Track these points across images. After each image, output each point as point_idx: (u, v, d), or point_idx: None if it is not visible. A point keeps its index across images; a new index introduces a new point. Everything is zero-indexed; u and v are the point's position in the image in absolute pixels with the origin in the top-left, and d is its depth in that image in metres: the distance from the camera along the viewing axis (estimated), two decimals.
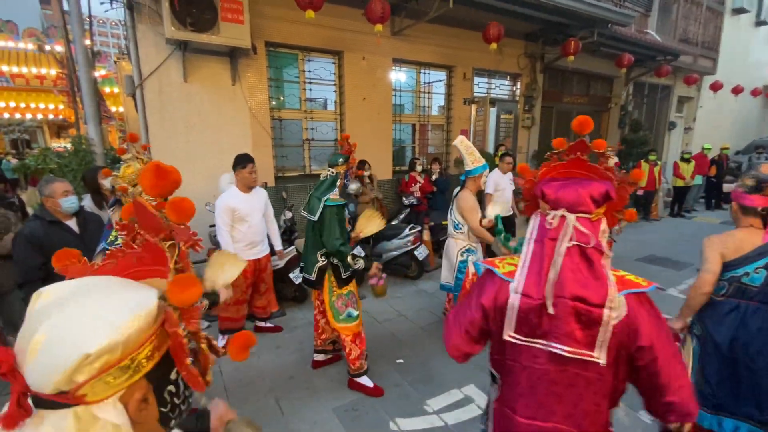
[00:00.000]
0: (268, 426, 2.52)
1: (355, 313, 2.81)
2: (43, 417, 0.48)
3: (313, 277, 2.78)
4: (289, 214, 4.72)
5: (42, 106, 10.09)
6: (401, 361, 3.23)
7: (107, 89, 10.76)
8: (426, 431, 2.47)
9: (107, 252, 0.65)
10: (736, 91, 11.35)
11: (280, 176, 5.40)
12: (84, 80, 4.58)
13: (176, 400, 0.60)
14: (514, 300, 1.09)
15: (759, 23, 13.02)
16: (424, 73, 6.52)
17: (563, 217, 1.07)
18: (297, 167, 5.63)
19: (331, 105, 5.84)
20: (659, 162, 8.32)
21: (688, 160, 8.58)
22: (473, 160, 3.19)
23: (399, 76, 6.25)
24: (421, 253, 4.81)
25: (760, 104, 14.88)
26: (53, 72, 9.76)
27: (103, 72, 10.62)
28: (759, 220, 1.93)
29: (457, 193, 3.36)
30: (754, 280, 1.91)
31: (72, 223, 2.67)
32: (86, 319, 0.50)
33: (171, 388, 0.59)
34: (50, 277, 2.54)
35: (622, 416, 2.66)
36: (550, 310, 1.04)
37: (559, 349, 1.05)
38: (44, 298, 0.52)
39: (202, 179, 4.63)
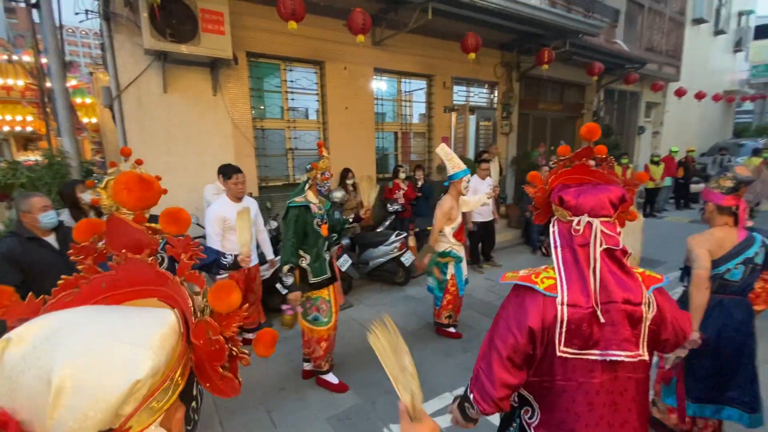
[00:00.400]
0: None
1: (324, 319, 2.85)
2: None
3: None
4: (274, 224, 4.69)
5: (9, 117, 9.69)
6: None
7: (78, 100, 10.45)
8: None
9: (59, 283, 0.57)
10: (699, 96, 11.99)
11: (263, 186, 5.37)
12: (58, 91, 4.45)
13: (196, 417, 0.58)
14: (563, 312, 1.04)
15: (717, 32, 13.82)
16: (405, 82, 6.63)
17: (589, 222, 1.07)
18: (281, 177, 5.61)
19: (314, 114, 5.85)
20: (631, 165, 8.67)
21: (657, 163, 8.98)
22: (453, 165, 3.32)
23: (380, 85, 6.33)
24: (408, 259, 4.85)
25: (721, 108, 15.74)
26: (20, 83, 9.41)
27: (74, 82, 10.31)
28: (732, 218, 2.05)
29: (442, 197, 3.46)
30: (734, 275, 2.03)
31: (51, 239, 2.58)
32: (117, 347, 0.44)
33: (194, 404, 0.57)
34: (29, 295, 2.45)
35: None
36: (602, 319, 1.02)
37: (618, 355, 1.03)
38: (19, 344, 0.43)
39: (184, 191, 4.55)
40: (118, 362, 0.43)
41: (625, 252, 1.08)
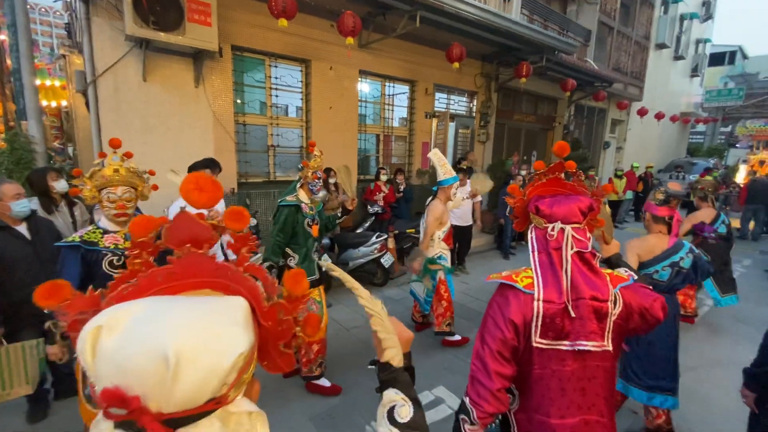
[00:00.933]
0: None
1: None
2: None
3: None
4: (253, 221, 4.63)
5: None
6: (373, 367, 3.28)
7: (37, 81, 9.82)
8: None
9: (116, 277, 0.60)
10: (659, 116, 12.82)
11: (243, 182, 5.28)
12: (26, 71, 4.21)
13: None
14: (539, 307, 1.18)
15: (677, 58, 14.84)
16: (389, 85, 6.71)
17: (562, 229, 1.22)
18: (261, 173, 5.54)
19: (298, 112, 5.82)
20: (597, 178, 9.16)
21: (620, 177, 9.53)
22: (445, 171, 3.38)
23: (365, 87, 6.38)
24: (387, 260, 4.92)
25: (677, 129, 16.91)
26: None
27: (34, 62, 9.70)
28: (665, 227, 2.43)
29: (429, 202, 3.52)
30: (662, 276, 2.37)
31: (22, 229, 2.47)
32: (218, 327, 0.49)
33: (258, 385, 0.63)
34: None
35: None
36: (572, 314, 1.16)
37: (586, 346, 1.17)
38: (112, 330, 0.46)
39: (160, 184, 4.40)
40: (223, 338, 0.48)
41: (594, 254, 1.22)
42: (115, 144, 1.87)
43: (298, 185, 2.81)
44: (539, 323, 1.18)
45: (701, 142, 20.39)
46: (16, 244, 2.40)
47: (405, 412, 0.78)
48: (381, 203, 5.82)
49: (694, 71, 16.83)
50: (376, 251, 4.87)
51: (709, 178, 9.64)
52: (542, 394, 1.23)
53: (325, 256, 4.62)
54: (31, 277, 2.41)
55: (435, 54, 6.65)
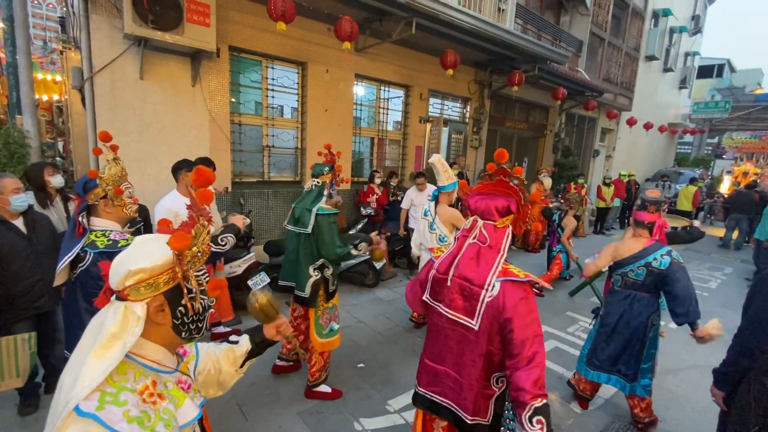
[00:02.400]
0: (232, 430, 2.52)
1: (336, 326, 2.86)
2: (113, 303, 0.87)
3: (307, 294, 2.67)
4: (247, 221, 4.66)
5: None
6: (362, 365, 3.35)
7: None
8: (389, 429, 2.62)
9: (181, 222, 0.95)
10: (647, 126, 13.10)
11: (237, 181, 5.32)
12: (23, 66, 4.21)
13: (185, 319, 0.93)
14: (431, 273, 1.54)
15: (666, 70, 15.18)
16: (384, 89, 6.81)
17: (475, 220, 1.46)
18: (255, 173, 5.58)
19: (293, 113, 5.88)
20: (586, 185, 9.35)
21: (609, 185, 9.74)
22: (447, 176, 3.43)
23: (360, 90, 6.46)
24: (379, 262, 4.98)
25: (665, 139, 17.27)
26: None
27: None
28: (647, 231, 2.63)
29: (432, 208, 3.56)
30: (638, 275, 2.57)
31: (19, 223, 2.49)
32: (137, 253, 0.87)
33: (181, 309, 0.92)
34: None
35: (557, 406, 3.05)
36: (448, 283, 1.46)
37: (445, 311, 1.47)
38: (130, 242, 1.00)
39: (155, 181, 4.45)
40: (130, 259, 0.86)
41: (493, 249, 1.42)
42: (105, 138, 1.86)
43: (325, 190, 2.70)
44: (429, 285, 1.55)
45: (688, 153, 20.86)
46: (12, 238, 2.42)
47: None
48: (374, 205, 5.90)
49: (683, 83, 17.22)
50: (368, 253, 4.93)
51: (692, 188, 9.86)
52: (428, 337, 1.59)
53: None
54: (26, 270, 2.44)
55: (430, 60, 6.76)
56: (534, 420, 1.22)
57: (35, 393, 2.66)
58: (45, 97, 9.83)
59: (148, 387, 0.85)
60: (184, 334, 0.94)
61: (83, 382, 0.77)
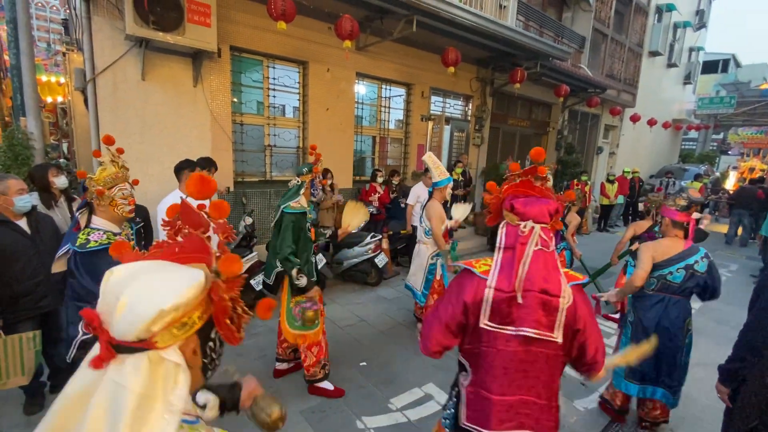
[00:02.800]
0: (237, 430, 2.52)
1: (317, 322, 2.82)
2: (123, 359, 0.62)
3: (270, 281, 2.82)
4: (249, 220, 4.69)
5: None
6: (364, 363, 3.36)
7: None
8: (391, 427, 2.62)
9: (155, 242, 0.78)
10: (651, 123, 13.02)
11: (239, 181, 5.33)
12: (26, 68, 4.24)
13: (213, 355, 0.78)
14: (489, 294, 1.32)
15: (670, 65, 15.06)
16: (385, 88, 6.80)
17: (532, 227, 1.34)
18: (257, 173, 5.60)
19: (295, 113, 5.89)
20: (589, 182, 9.30)
21: (612, 182, 9.68)
22: (439, 173, 3.50)
23: (361, 89, 6.46)
24: (381, 260, 4.99)
25: (669, 135, 17.14)
26: None
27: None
28: (682, 231, 2.48)
29: (426, 202, 3.64)
30: (676, 278, 2.42)
31: (23, 223, 2.51)
32: (158, 287, 0.66)
33: (211, 344, 0.76)
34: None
35: (560, 404, 3.03)
36: (519, 300, 1.28)
37: (529, 332, 1.29)
38: (116, 274, 0.67)
39: (156, 182, 4.47)
40: (154, 295, 0.64)
41: (551, 252, 1.35)
42: (109, 141, 1.93)
43: (302, 190, 2.75)
44: (488, 308, 1.33)
45: (693, 149, 20.69)
46: (16, 238, 2.44)
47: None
48: (376, 204, 5.90)
49: (687, 79, 17.08)
50: (370, 251, 4.94)
51: (697, 184, 9.81)
52: (486, 370, 1.37)
53: (320, 256, 4.70)
54: (30, 270, 2.46)
55: (431, 58, 6.74)
56: None
57: (40, 392, 2.68)
58: (49, 99, 9.92)
59: None
60: (209, 374, 0.78)
61: None
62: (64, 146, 10.77)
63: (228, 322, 0.73)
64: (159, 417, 0.60)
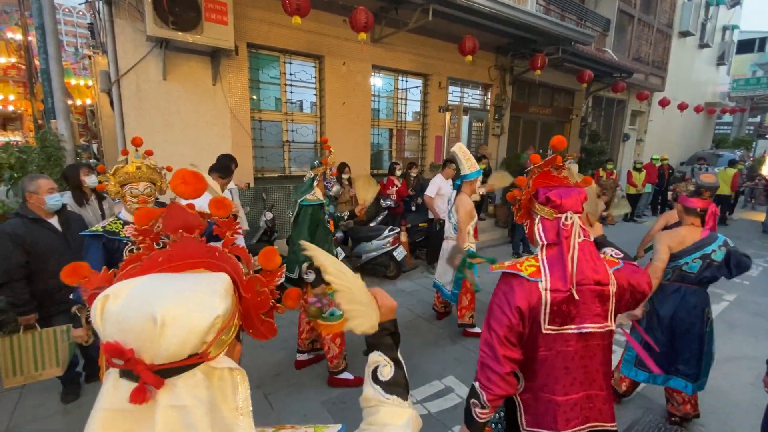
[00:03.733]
0: (259, 419, 2.58)
1: (339, 312, 2.86)
2: (173, 384, 0.55)
3: (295, 275, 2.81)
4: (269, 215, 4.76)
5: None
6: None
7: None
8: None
9: (125, 258, 0.68)
10: (682, 107, 12.42)
11: (259, 177, 5.41)
12: (54, 72, 4.40)
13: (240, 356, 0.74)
14: (546, 296, 1.23)
15: (702, 46, 14.30)
16: (402, 80, 6.73)
17: (573, 218, 1.28)
18: (276, 168, 5.66)
19: (312, 108, 5.91)
20: (615, 171, 8.98)
21: (639, 170, 9.31)
22: (470, 165, 3.37)
23: (377, 82, 6.42)
24: (400, 253, 4.98)
25: (701, 119, 16.33)
26: (1, 60, 9.11)
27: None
28: (698, 219, 2.39)
29: (456, 196, 3.51)
30: (692, 268, 2.36)
31: (54, 221, 2.62)
32: (199, 296, 0.58)
33: (239, 347, 0.72)
34: (33, 275, 2.49)
35: None
36: (576, 297, 1.22)
37: (590, 328, 1.25)
38: (116, 298, 0.56)
39: None
40: (202, 304, 0.58)
41: (594, 243, 1.32)
42: (136, 143, 2.00)
43: (315, 183, 2.82)
44: (548, 311, 1.23)
45: (728, 133, 19.65)
46: (49, 236, 2.56)
47: (387, 372, 0.85)
48: (394, 197, 5.88)
49: (721, 59, 16.19)
50: (388, 244, 4.94)
51: (731, 170, 9.32)
52: (547, 373, 1.29)
53: (339, 250, 4.73)
54: (63, 266, 2.55)
55: (448, 47, 6.62)
56: None
57: (76, 382, 2.82)
58: (79, 102, 10.32)
59: None
60: None
61: None
62: (94, 147, 11.19)
63: (263, 316, 0.71)
64: (234, 423, 0.59)
